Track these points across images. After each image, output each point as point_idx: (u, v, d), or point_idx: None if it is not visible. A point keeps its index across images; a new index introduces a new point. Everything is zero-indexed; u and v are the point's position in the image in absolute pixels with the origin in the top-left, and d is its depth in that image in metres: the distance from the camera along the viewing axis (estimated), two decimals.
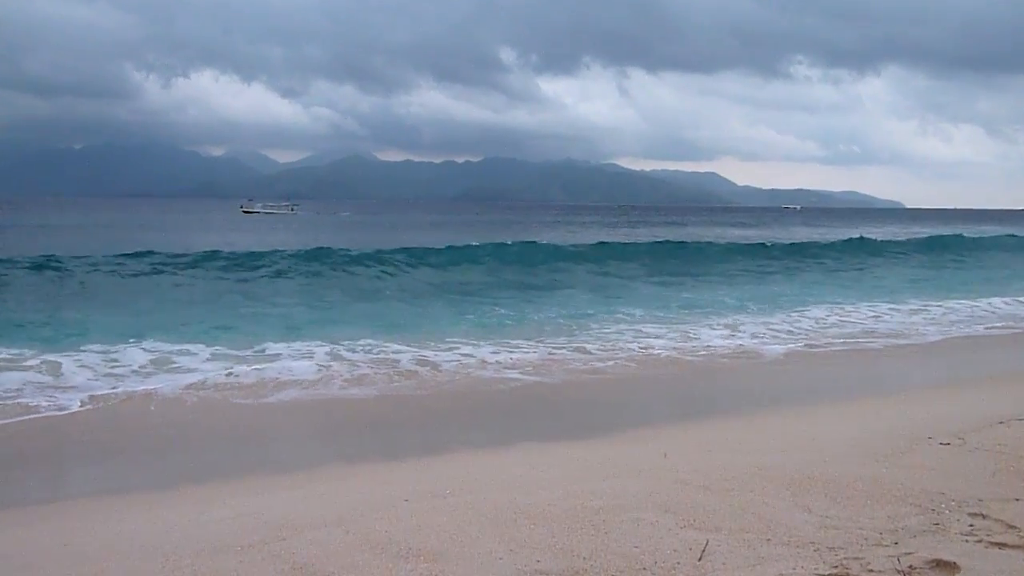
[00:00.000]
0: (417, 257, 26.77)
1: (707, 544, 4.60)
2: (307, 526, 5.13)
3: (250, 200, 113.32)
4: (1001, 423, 7.70)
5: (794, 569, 4.22)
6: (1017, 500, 5.29)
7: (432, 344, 13.75)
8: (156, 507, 6.11)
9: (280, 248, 29.13)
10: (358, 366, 11.86)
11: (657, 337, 15.03)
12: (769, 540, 4.68)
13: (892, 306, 20.24)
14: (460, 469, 6.77)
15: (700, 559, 4.40)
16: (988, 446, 6.70)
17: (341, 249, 27.88)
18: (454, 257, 27.39)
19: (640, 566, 4.33)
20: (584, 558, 4.45)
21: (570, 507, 5.27)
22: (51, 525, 5.81)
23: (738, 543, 4.64)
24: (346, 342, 13.68)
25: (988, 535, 4.64)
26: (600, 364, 12.46)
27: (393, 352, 12.96)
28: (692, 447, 7.35)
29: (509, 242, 31.80)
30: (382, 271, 24.68)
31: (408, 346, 13.48)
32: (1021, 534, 4.65)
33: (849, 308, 19.76)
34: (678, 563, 4.36)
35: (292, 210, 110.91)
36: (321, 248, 28.31)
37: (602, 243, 35.59)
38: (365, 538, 4.83)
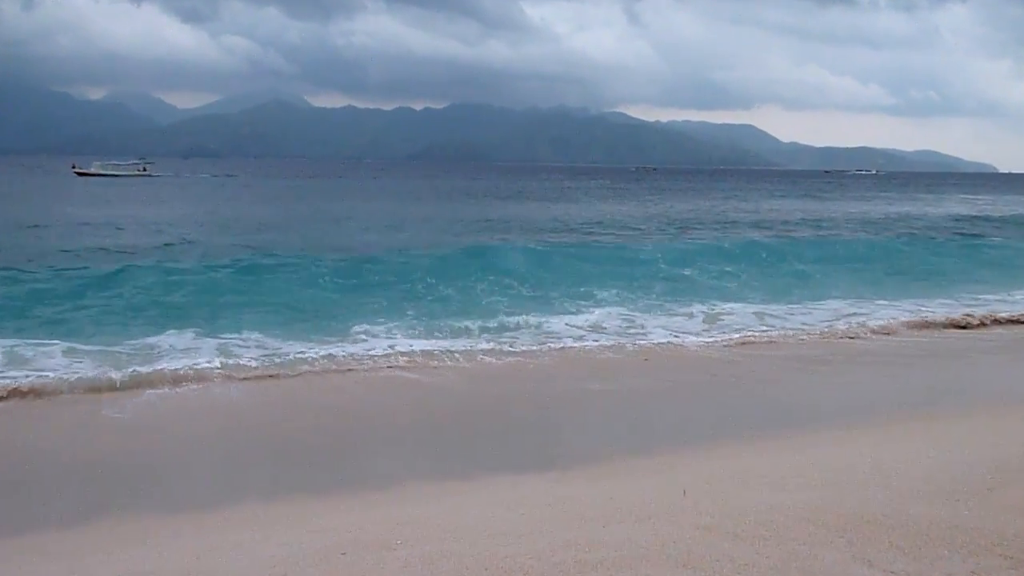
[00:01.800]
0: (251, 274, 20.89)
1: None
2: None
3: (112, 162, 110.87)
4: None
5: None
6: None
7: (340, 336, 14.27)
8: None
9: None
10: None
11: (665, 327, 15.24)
12: None
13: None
14: (411, 510, 6.76)
15: None
16: None
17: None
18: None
19: None
20: None
21: (558, 562, 5.24)
22: None
23: None
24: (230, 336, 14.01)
25: None
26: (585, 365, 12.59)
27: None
28: (718, 480, 7.34)
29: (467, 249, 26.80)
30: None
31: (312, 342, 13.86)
32: None
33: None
34: None
35: (144, 170, 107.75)
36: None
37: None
38: None
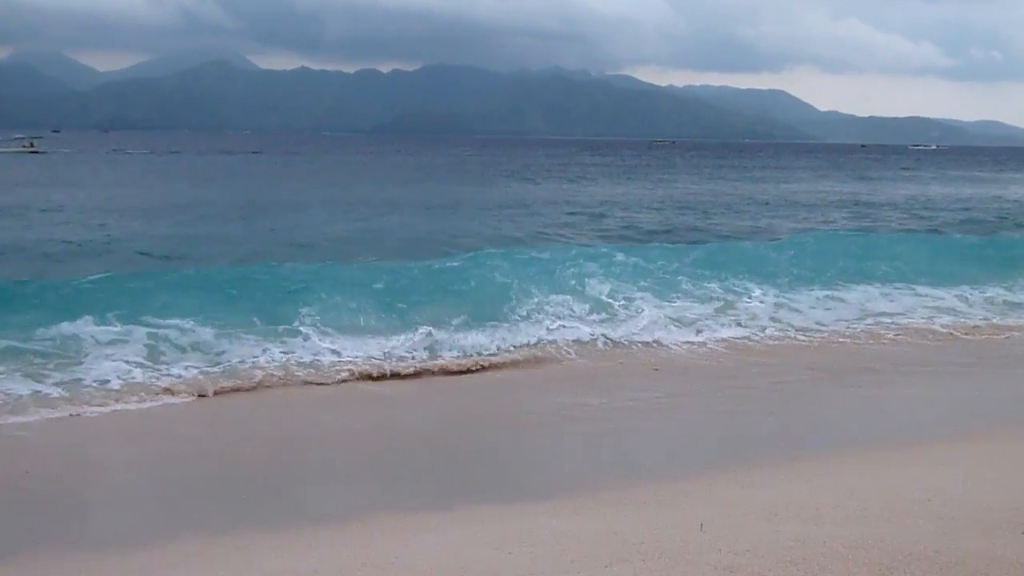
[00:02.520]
0: None
1: None
2: None
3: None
4: None
5: None
6: None
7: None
8: None
9: None
10: None
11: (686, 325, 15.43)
12: None
13: None
14: (379, 549, 6.83)
15: None
16: None
17: None
18: None
19: None
20: None
21: None
22: None
23: None
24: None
25: None
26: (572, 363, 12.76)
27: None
28: (741, 512, 7.39)
29: None
30: None
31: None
32: None
33: None
34: None
35: (31, 146, 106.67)
36: None
37: None
38: None
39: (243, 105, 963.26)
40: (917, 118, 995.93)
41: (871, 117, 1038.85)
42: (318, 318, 14.94)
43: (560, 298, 17.11)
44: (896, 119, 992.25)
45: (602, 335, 15.50)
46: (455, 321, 15.36)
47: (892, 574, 5.74)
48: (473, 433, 10.87)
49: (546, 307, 16.60)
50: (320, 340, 14.18)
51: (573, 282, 18.25)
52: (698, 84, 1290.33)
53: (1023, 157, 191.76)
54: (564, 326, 15.71)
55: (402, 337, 14.54)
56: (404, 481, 9.28)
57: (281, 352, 13.63)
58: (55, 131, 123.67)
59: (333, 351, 13.84)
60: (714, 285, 19.22)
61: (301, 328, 14.51)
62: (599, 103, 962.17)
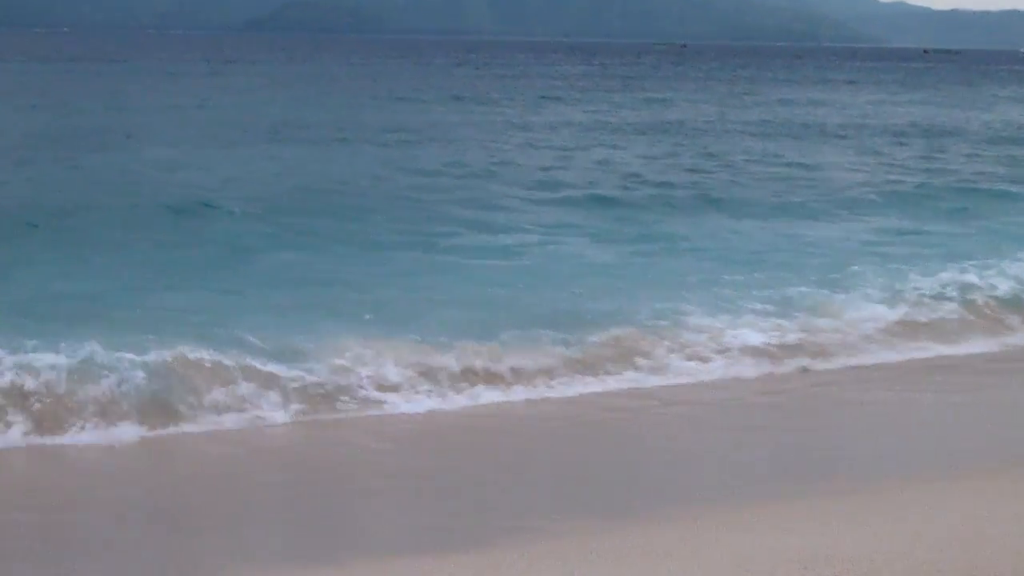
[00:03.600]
0: None
1: None
2: None
3: None
4: None
5: None
6: None
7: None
8: None
9: None
10: None
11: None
12: None
13: None
14: None
15: None
16: None
17: None
18: None
19: None
20: None
21: None
22: None
23: None
24: None
25: None
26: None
27: None
28: (759, 566, 7.48)
29: None
30: None
31: None
32: None
33: None
34: None
35: None
36: None
37: None
38: None
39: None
40: (1016, 11, 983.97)
41: (953, 11, 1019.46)
42: None
43: None
44: (986, 13, 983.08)
45: None
46: None
47: None
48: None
49: None
50: None
51: None
52: None
53: None
54: None
55: None
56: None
57: None
58: None
59: None
60: None
61: None
62: None
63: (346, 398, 12.44)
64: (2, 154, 33.68)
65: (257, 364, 12.73)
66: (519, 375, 13.27)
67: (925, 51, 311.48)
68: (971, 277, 18.45)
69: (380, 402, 12.42)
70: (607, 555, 8.00)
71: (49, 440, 11.06)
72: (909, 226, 24.99)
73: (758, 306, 16.38)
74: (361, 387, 12.68)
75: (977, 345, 15.41)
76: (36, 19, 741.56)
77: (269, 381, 12.39)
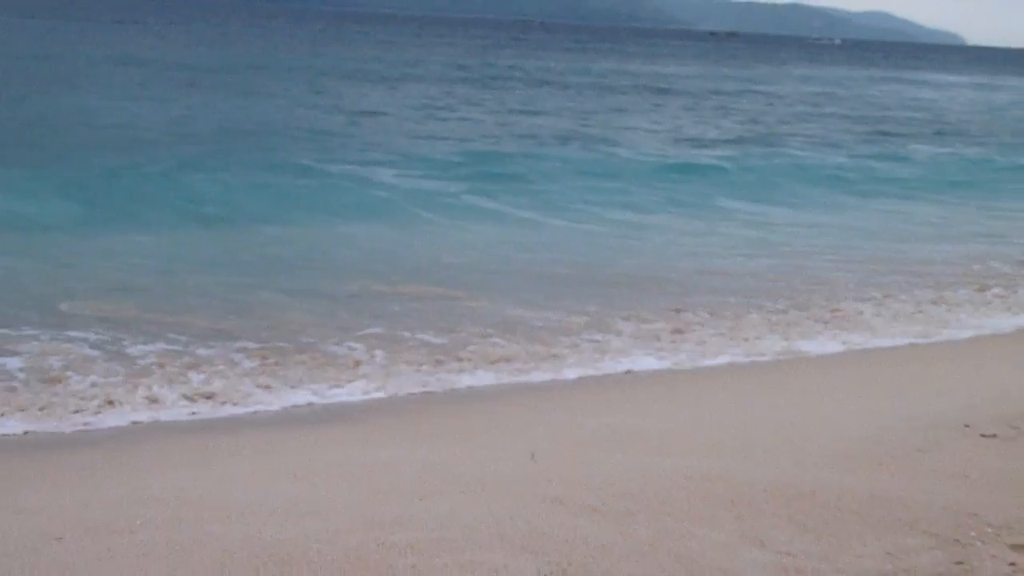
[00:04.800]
0: None
1: None
2: None
3: None
4: None
5: None
6: None
7: None
8: None
9: None
10: None
11: None
12: None
13: None
14: (156, 476, 6.72)
15: None
16: None
17: None
18: None
19: None
20: None
21: (355, 546, 5.28)
22: None
23: None
24: None
25: None
26: None
27: None
28: (579, 441, 7.53)
29: None
30: None
31: None
32: None
33: None
34: None
35: None
36: None
37: None
38: None
39: None
40: (797, 5, 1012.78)
41: (748, 2, 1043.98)
42: None
43: None
44: (775, 5, 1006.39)
45: None
46: None
47: (736, 508, 5.90)
48: None
49: None
50: None
51: None
52: None
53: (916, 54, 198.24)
54: None
55: None
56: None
57: None
58: None
59: None
60: None
61: None
62: None
63: None
64: None
65: None
66: None
67: (711, 33, 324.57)
68: None
69: None
70: (460, 433, 8.12)
71: None
72: None
73: None
74: None
75: None
76: None
77: None
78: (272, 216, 18.32)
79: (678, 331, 11.59)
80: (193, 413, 8.70)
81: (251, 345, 10.53)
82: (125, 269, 13.72)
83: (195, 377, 9.50)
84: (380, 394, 9.38)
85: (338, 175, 22.23)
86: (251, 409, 8.85)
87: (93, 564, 5.08)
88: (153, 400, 8.87)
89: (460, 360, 10.28)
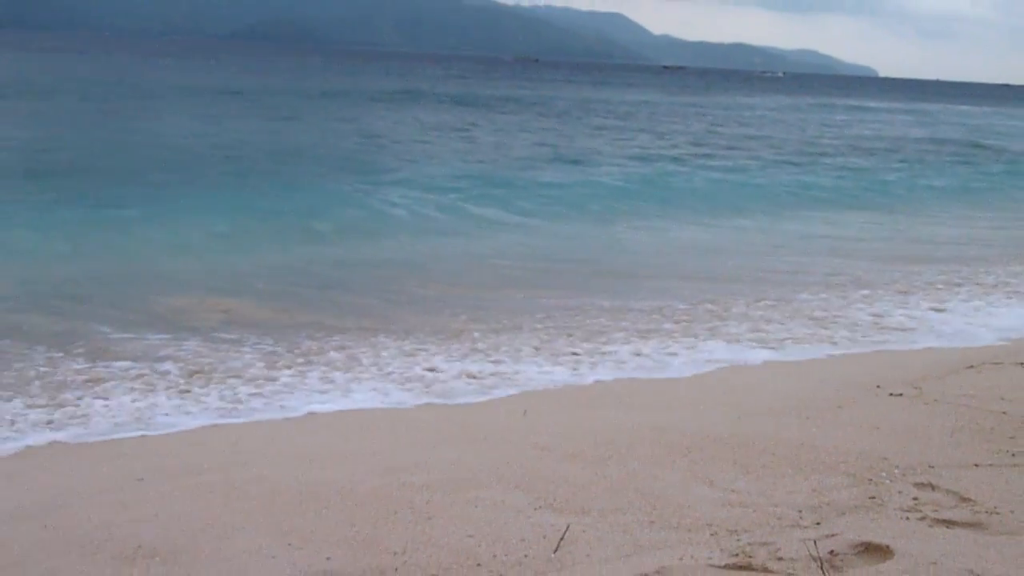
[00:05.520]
0: None
1: (567, 530, 4.85)
2: None
3: None
4: (970, 367, 8.48)
5: (680, 559, 4.53)
6: (976, 466, 5.87)
7: None
8: None
9: None
10: None
11: None
12: (652, 523, 5.01)
13: None
14: (220, 434, 6.79)
15: (556, 550, 4.64)
16: (949, 397, 7.37)
17: None
18: None
19: (473, 561, 4.53)
20: (395, 552, 4.61)
21: (379, 486, 5.42)
22: None
23: (610, 527, 4.93)
24: None
25: (934, 511, 5.14)
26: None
27: None
28: (561, 401, 7.69)
29: None
30: None
31: None
32: (975, 509, 5.17)
33: None
34: (526, 556, 4.59)
35: None
36: None
37: None
38: (71, 534, 4.82)
39: (99, 6, 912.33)
40: (741, 44, 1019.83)
41: (699, 41, 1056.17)
42: None
43: None
44: (722, 45, 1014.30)
45: None
46: None
47: (689, 454, 6.08)
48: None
49: None
50: None
51: None
52: (542, 4, 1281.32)
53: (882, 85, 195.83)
54: None
55: None
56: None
57: None
58: None
59: None
60: None
61: None
62: (450, 19, 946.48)
63: None
64: None
65: None
66: None
67: (664, 67, 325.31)
68: None
69: None
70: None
71: None
72: None
73: None
74: None
75: None
76: (71, 21, 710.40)
77: None
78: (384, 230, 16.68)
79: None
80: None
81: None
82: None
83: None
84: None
85: (350, 191, 20.14)
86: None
87: (171, 505, 5.22)
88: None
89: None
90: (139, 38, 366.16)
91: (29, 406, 7.15)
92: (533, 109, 54.79)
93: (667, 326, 10.40)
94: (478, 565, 4.49)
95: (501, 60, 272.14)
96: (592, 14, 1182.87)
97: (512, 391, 8.00)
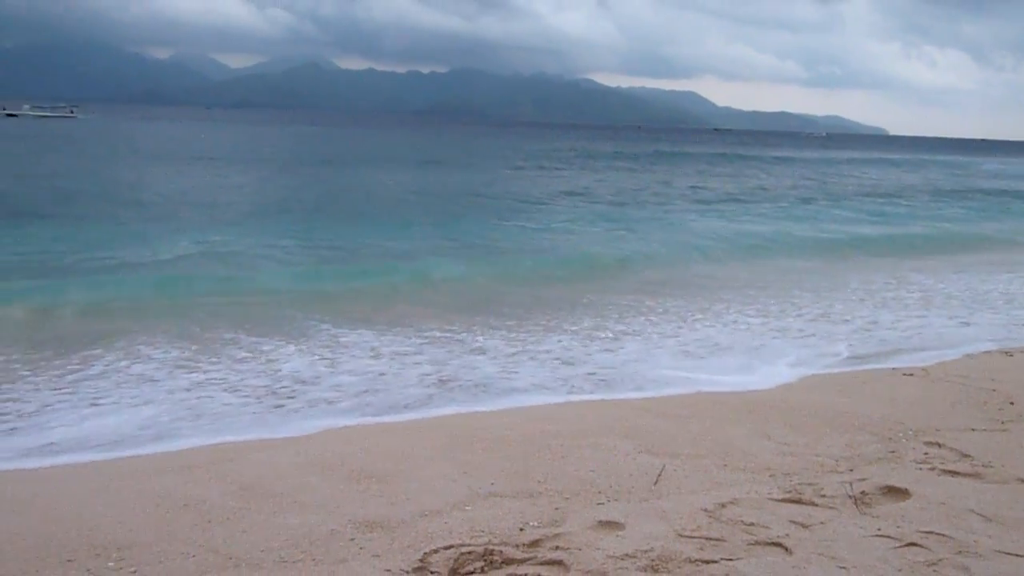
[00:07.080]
0: None
1: (663, 469, 4.76)
2: (253, 448, 5.21)
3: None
4: (968, 355, 8.01)
5: (747, 493, 4.39)
6: (973, 430, 5.55)
7: None
8: None
9: None
10: None
11: None
12: (725, 465, 4.88)
13: None
14: None
15: (656, 483, 4.56)
16: (951, 377, 6.99)
17: None
18: None
19: (595, 489, 4.48)
20: (539, 481, 4.59)
21: (527, 433, 5.41)
22: None
23: (694, 468, 4.82)
24: None
25: (941, 463, 4.88)
26: None
27: None
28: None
29: None
30: None
31: None
32: (973, 462, 4.89)
33: None
34: (633, 487, 4.52)
35: (71, 113, 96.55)
36: None
37: None
38: (316, 460, 4.92)
39: (328, 94, 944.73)
40: (783, 112, 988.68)
41: (752, 111, 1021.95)
42: None
43: None
44: (769, 112, 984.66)
45: None
46: None
47: (751, 415, 5.90)
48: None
49: None
50: None
51: None
52: (637, 86, 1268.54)
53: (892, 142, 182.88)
54: None
55: None
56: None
57: None
58: (72, 104, 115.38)
59: None
60: None
61: None
62: (570, 97, 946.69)
63: None
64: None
65: None
66: None
67: (716, 129, 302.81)
68: None
69: None
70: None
71: None
72: None
73: None
74: None
75: None
76: (315, 105, 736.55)
77: None
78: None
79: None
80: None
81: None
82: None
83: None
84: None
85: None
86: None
87: (382, 442, 5.26)
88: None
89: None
90: (351, 114, 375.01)
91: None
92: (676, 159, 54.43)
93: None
94: (598, 492, 4.46)
95: (614, 127, 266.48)
96: (672, 92, 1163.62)
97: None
